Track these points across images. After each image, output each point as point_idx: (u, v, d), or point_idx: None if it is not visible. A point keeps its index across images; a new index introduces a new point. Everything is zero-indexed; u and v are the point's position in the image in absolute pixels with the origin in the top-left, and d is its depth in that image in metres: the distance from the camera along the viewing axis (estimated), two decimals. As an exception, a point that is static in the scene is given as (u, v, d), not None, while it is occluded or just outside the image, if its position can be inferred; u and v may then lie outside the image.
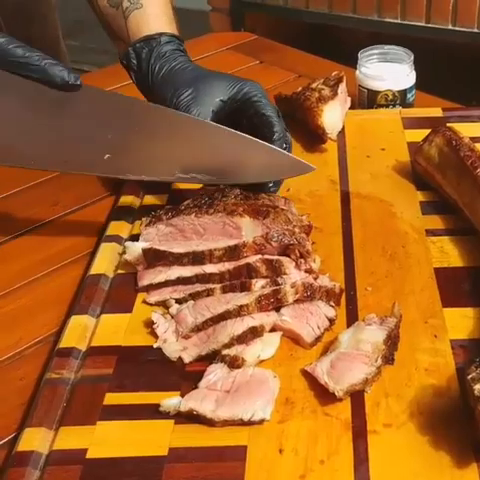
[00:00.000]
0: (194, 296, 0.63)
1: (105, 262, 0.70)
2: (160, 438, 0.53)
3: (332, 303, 0.62)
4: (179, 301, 0.63)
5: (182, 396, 0.55)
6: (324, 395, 0.55)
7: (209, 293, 0.62)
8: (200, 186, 0.72)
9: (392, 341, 0.57)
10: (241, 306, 0.59)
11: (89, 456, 0.52)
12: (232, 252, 0.64)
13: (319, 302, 0.61)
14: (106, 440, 0.53)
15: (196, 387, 0.56)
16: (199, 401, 0.54)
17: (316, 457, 0.51)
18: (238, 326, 0.58)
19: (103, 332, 0.63)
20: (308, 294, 0.61)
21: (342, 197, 0.77)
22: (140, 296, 0.66)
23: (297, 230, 0.66)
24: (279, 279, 0.62)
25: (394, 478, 0.49)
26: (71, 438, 0.53)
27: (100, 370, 0.59)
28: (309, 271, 0.64)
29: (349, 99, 0.92)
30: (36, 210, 0.84)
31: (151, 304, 0.65)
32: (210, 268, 0.64)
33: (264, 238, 0.64)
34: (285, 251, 0.64)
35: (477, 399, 0.47)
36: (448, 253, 0.68)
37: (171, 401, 0.54)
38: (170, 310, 0.63)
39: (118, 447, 0.53)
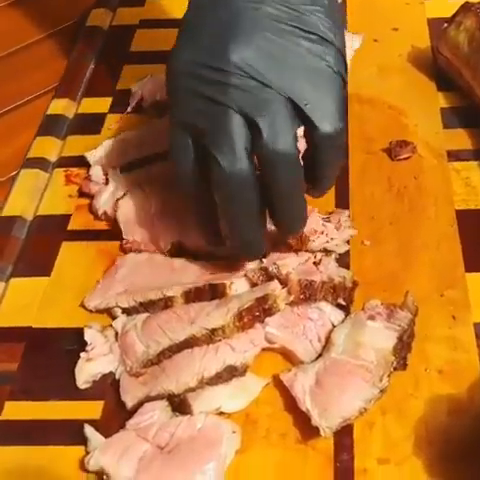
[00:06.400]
0: (146, 306, 0.45)
1: (22, 199, 0.54)
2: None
3: (342, 301, 0.44)
4: (128, 311, 0.45)
5: (105, 410, 0.41)
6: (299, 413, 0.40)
7: (167, 303, 0.44)
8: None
9: (404, 344, 0.41)
10: (213, 330, 0.41)
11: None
12: None
13: (322, 303, 0.44)
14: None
15: (123, 425, 0.40)
16: (116, 458, 0.38)
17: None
18: (210, 362, 0.41)
19: (11, 305, 0.47)
20: (307, 295, 0.43)
21: (338, 101, 0.58)
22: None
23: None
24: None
25: None
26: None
27: (1, 365, 0.44)
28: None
29: None
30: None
31: (90, 311, 0.46)
32: None
33: None
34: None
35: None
36: (476, 188, 0.51)
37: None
38: (114, 324, 0.45)
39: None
